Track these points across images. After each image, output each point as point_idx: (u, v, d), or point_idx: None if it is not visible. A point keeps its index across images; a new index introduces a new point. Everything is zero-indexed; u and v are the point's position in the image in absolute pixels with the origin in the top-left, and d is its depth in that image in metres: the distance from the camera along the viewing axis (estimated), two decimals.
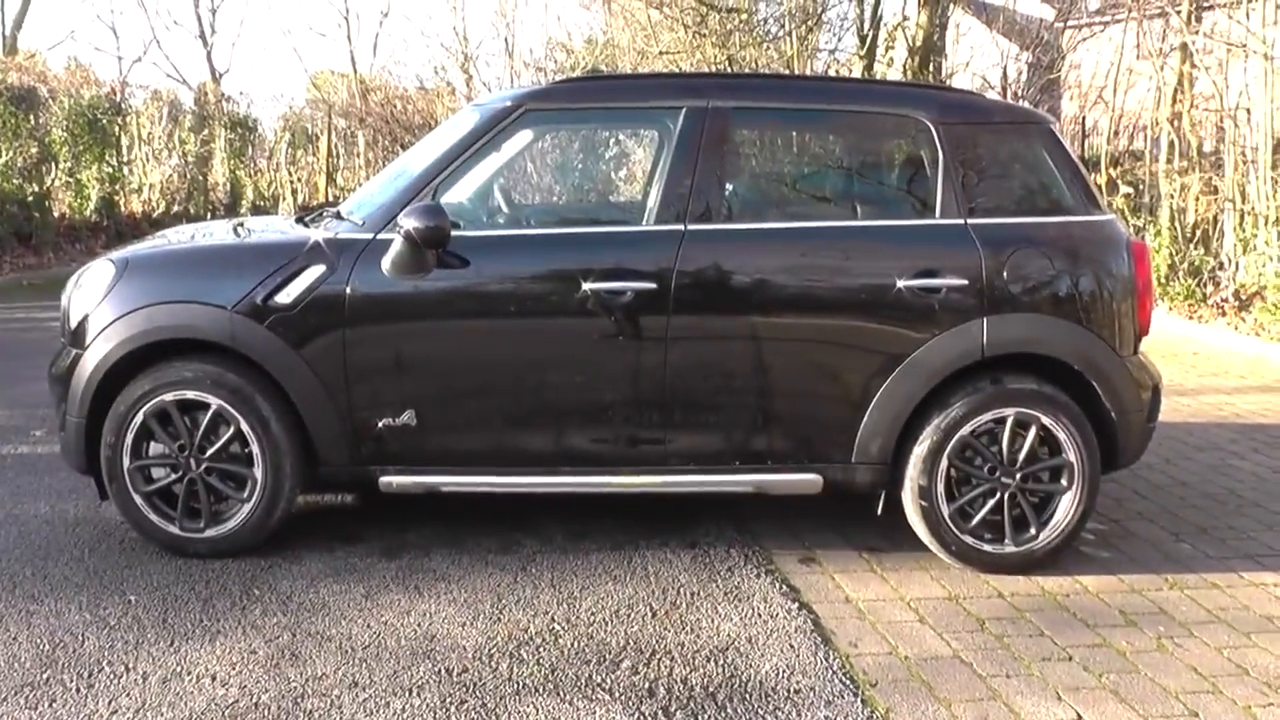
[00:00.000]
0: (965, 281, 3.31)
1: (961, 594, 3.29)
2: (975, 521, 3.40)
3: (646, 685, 2.64)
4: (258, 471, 3.34)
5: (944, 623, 3.08)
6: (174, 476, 3.37)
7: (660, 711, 2.51)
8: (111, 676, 2.65)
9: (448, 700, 2.55)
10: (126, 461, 3.36)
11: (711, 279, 3.30)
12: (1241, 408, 5.79)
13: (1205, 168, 8.67)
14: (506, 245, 3.43)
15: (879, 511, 3.52)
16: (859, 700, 2.61)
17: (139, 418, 3.33)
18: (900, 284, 3.30)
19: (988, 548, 3.41)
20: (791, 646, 2.87)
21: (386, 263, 3.25)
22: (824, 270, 3.34)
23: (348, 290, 3.27)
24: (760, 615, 3.06)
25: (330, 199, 15.44)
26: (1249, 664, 2.88)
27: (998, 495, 3.39)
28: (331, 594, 3.15)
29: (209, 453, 3.35)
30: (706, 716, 2.50)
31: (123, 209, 11.89)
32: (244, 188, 14.23)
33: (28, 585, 3.20)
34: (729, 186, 3.41)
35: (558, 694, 2.59)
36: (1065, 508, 3.40)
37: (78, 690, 2.59)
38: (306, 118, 15.73)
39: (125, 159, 11.82)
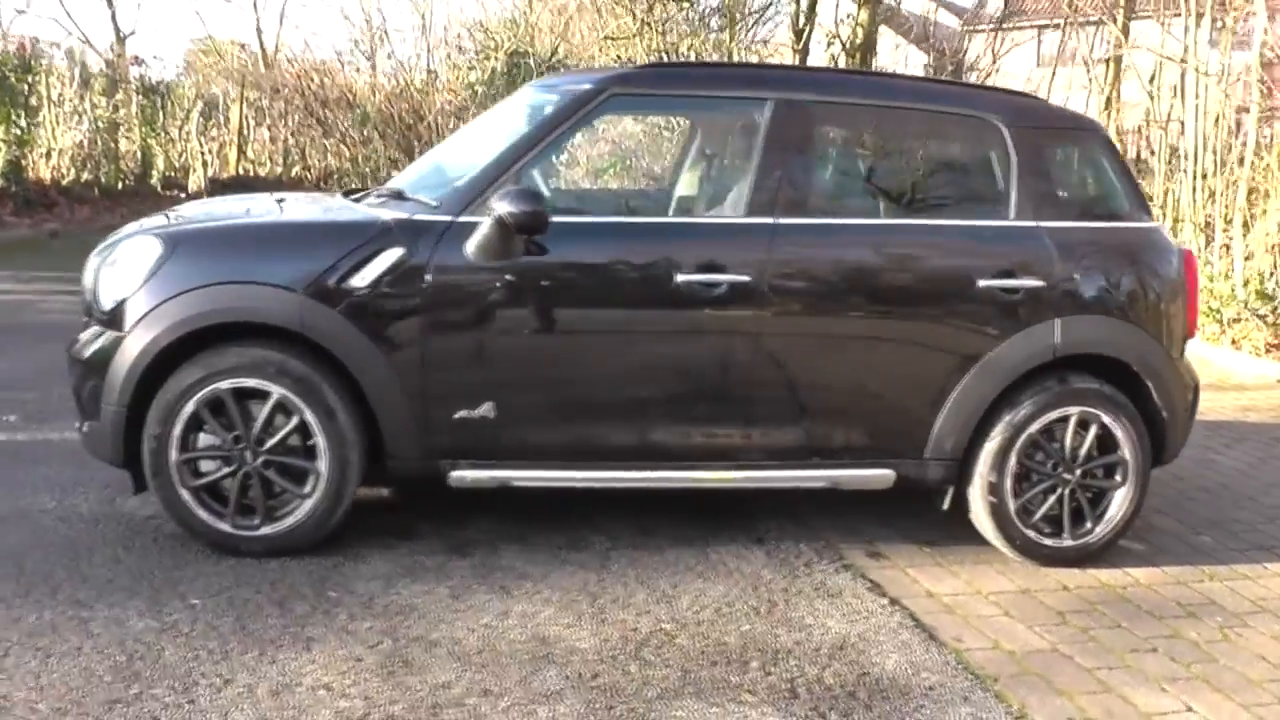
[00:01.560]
0: (1042, 283, 3.38)
1: (1030, 587, 3.37)
2: (1037, 516, 3.49)
3: (785, 686, 2.60)
4: (321, 465, 3.13)
5: (1028, 616, 3.15)
6: (226, 470, 3.14)
7: (813, 713, 2.48)
8: (211, 689, 2.44)
9: (594, 705, 2.45)
10: (173, 454, 3.10)
11: (802, 273, 3.27)
12: (1201, 406, 6.12)
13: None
14: (597, 233, 3.31)
15: (944, 507, 3.56)
16: (991, 696, 2.64)
17: (189, 407, 3.07)
18: (980, 283, 3.35)
19: (1048, 542, 3.51)
20: (904, 643, 2.88)
21: (471, 247, 3.09)
22: (909, 267, 3.36)
23: (429, 275, 3.10)
24: (859, 612, 3.06)
25: (240, 172, 14.71)
26: None
27: (1058, 491, 3.49)
28: (414, 595, 2.99)
29: (267, 445, 3.12)
30: (858, 718, 2.48)
31: (31, 174, 10.96)
32: (155, 157, 13.35)
33: (69, 589, 2.92)
34: (815, 180, 3.38)
35: (701, 697, 2.52)
36: (1119, 503, 3.52)
37: (179, 706, 2.37)
38: (213, 86, 14.86)
39: (34, 121, 10.91)
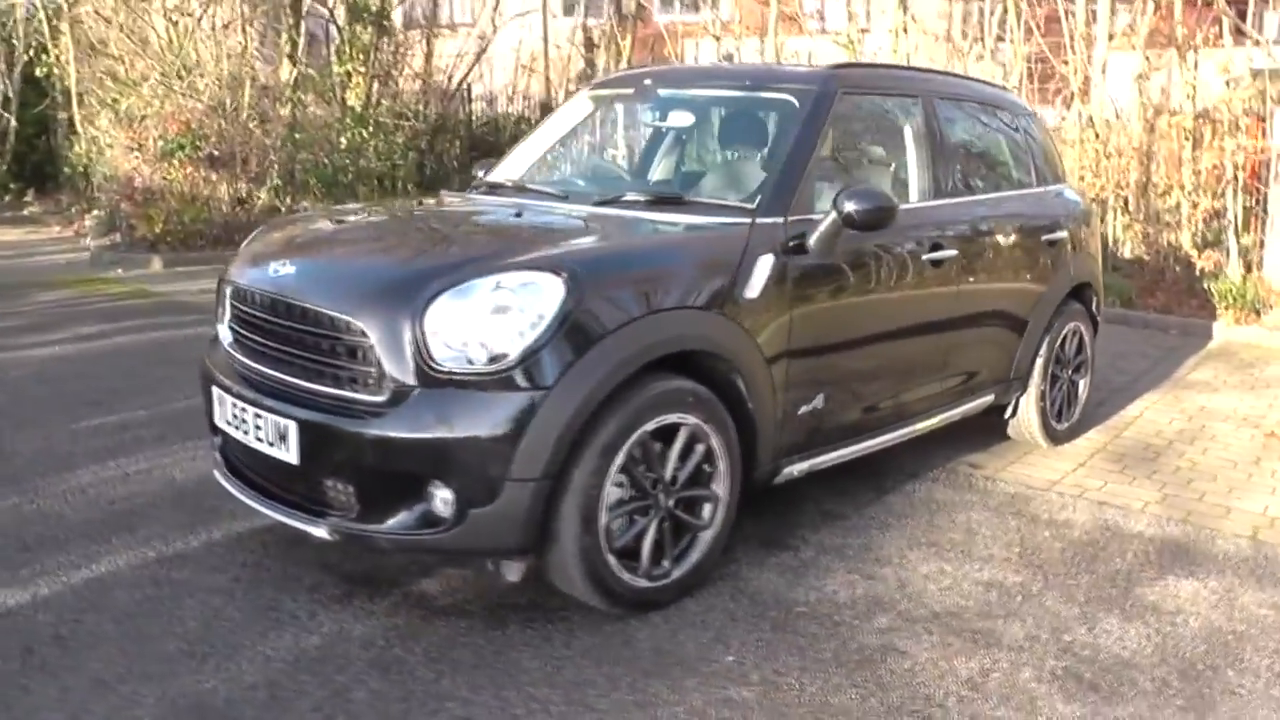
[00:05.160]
0: (1065, 233, 4.50)
1: (1081, 462, 4.50)
2: (1056, 408, 4.66)
3: (1142, 568, 3.37)
4: (720, 489, 2.98)
5: (1115, 479, 4.26)
6: (643, 521, 2.81)
7: (1192, 579, 3.31)
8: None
9: (1167, 642, 2.98)
10: (603, 517, 2.70)
11: (975, 244, 3.94)
12: None
13: None
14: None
15: (1007, 416, 4.53)
16: (1217, 533, 3.69)
17: (620, 458, 2.70)
18: (1043, 237, 4.35)
19: (1060, 426, 4.71)
20: (1121, 517, 3.79)
21: (814, 244, 3.17)
22: (1020, 229, 4.21)
23: (790, 278, 3.11)
24: (1062, 507, 3.89)
25: None
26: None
27: (1063, 388, 4.70)
28: (842, 589, 3.08)
29: (681, 482, 2.87)
30: (1207, 575, 3.36)
31: None
32: None
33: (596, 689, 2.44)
34: (951, 165, 4.01)
35: (1137, 589, 3.19)
36: (1083, 387, 4.86)
37: None
38: None
39: None
